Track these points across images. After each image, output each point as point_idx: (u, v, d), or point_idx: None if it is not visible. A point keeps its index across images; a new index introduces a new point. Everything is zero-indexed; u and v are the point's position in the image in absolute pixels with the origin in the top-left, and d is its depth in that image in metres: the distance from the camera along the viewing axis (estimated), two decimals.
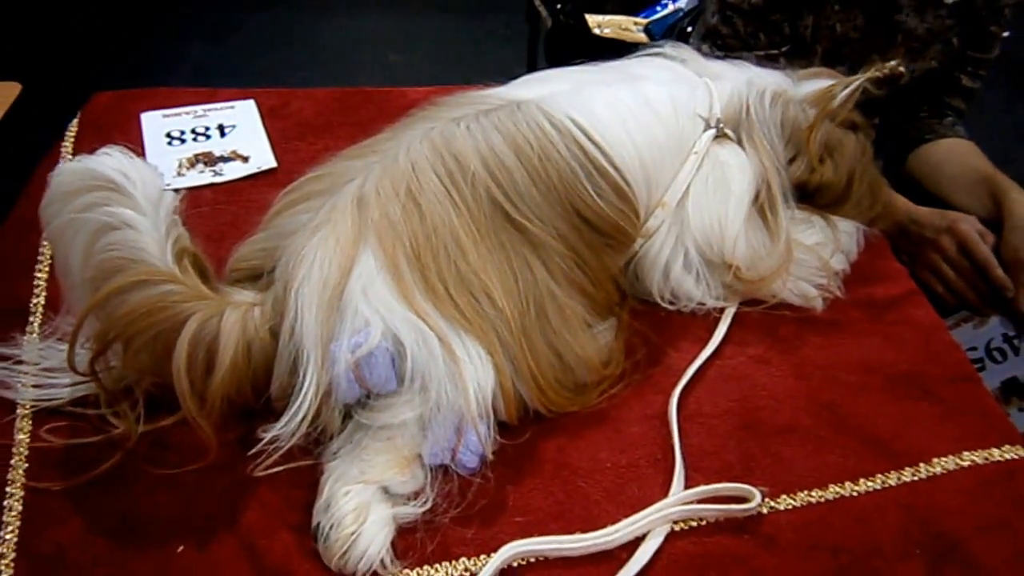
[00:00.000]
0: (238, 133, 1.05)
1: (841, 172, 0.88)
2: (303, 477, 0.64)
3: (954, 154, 1.37)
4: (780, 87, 0.90)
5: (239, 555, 0.60)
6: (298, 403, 0.62)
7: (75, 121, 1.06)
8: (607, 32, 1.60)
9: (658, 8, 1.65)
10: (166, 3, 3.45)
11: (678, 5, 1.64)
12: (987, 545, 0.62)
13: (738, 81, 0.88)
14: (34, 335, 0.75)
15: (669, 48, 0.91)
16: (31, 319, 0.77)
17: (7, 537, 0.59)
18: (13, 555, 0.59)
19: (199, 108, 1.09)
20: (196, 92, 1.12)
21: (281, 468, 0.63)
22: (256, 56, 2.90)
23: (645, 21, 1.65)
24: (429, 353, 0.62)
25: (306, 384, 0.62)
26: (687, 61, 0.89)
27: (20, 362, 0.72)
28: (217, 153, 1.01)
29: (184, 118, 1.07)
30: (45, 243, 0.86)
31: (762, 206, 0.81)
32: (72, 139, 1.02)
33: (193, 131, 1.05)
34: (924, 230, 1.18)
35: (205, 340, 0.62)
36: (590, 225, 0.73)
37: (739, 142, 0.83)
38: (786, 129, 0.86)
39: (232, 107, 1.10)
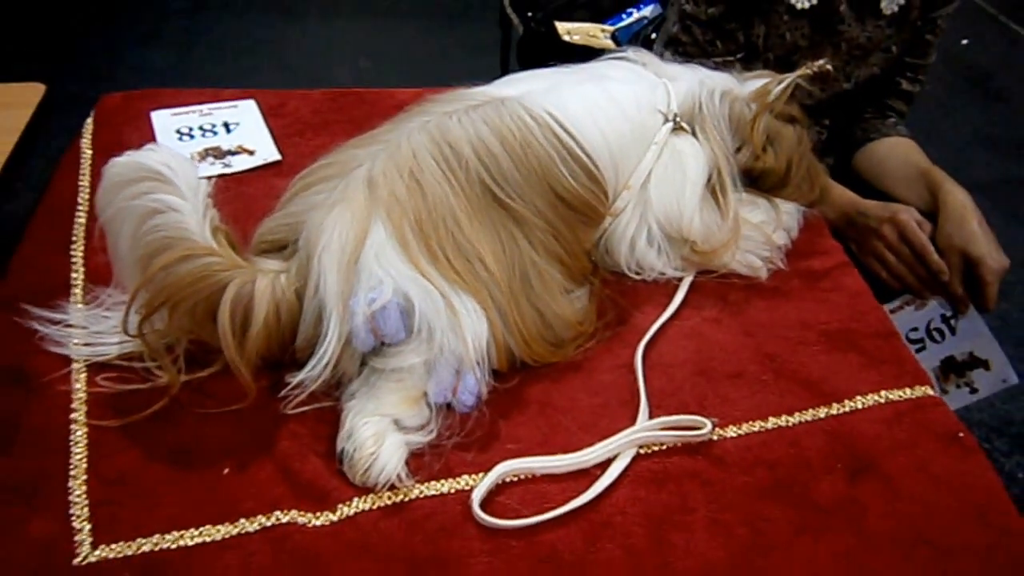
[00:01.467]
0: (242, 129, 1.14)
1: (781, 159, 0.98)
2: (326, 415, 0.74)
3: (895, 151, 1.44)
4: (728, 87, 1.00)
5: (276, 476, 0.70)
6: (322, 351, 0.72)
7: (89, 120, 1.13)
8: (576, 38, 1.66)
9: (623, 16, 1.71)
10: (136, 9, 3.47)
11: (642, 13, 1.70)
12: (896, 462, 0.73)
13: (692, 81, 0.98)
14: (79, 304, 0.85)
15: (632, 53, 1.02)
16: (74, 291, 0.87)
17: (77, 463, 0.69)
18: (84, 477, 0.69)
19: (204, 107, 1.18)
20: (199, 92, 1.21)
21: (307, 408, 0.74)
22: (226, 62, 2.93)
23: (612, 28, 1.71)
24: (433, 307, 0.73)
25: (329, 334, 0.72)
26: (647, 64, 0.99)
27: (69, 326, 0.82)
28: (225, 147, 1.10)
29: (191, 116, 1.15)
30: (77, 225, 0.96)
31: (714, 188, 0.92)
32: (90, 135, 1.11)
33: (201, 128, 1.13)
34: (869, 220, 1.25)
35: (242, 302, 0.72)
36: (565, 203, 0.84)
37: (693, 133, 0.93)
38: (733, 122, 0.97)
39: (235, 106, 1.18)
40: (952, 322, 1.27)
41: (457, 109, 0.85)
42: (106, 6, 3.50)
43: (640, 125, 0.91)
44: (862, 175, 1.47)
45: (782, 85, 0.98)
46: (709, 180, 0.93)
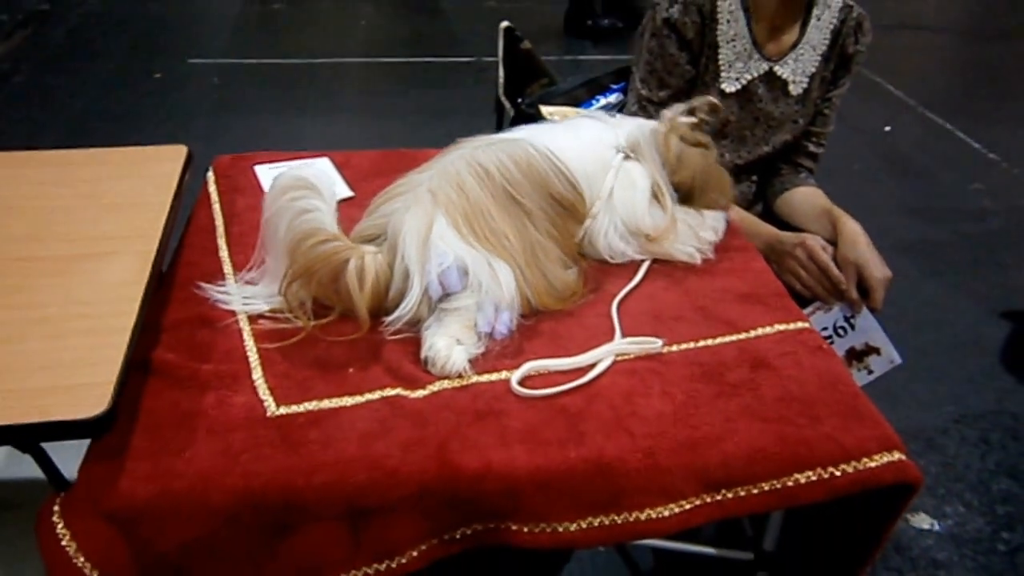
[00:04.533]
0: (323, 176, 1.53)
1: (687, 174, 1.29)
2: (409, 343, 1.11)
3: (806, 197, 1.76)
4: (656, 127, 1.32)
5: (384, 373, 1.06)
6: (410, 297, 1.09)
7: (209, 173, 1.53)
8: (556, 118, 1.87)
9: (594, 102, 2.00)
10: (163, 113, 3.88)
11: (608, 100, 1.99)
12: (780, 360, 1.10)
13: (633, 126, 1.31)
14: (231, 281, 1.23)
15: (594, 114, 1.40)
16: (226, 273, 1.25)
17: (255, 368, 1.06)
18: (261, 372, 1.06)
19: (292, 162, 1.54)
20: (283, 154, 1.59)
21: (399, 336, 1.12)
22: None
23: (584, 111, 1.93)
24: (480, 267, 1.09)
25: (414, 287, 1.08)
26: (605, 120, 1.33)
27: (228, 293, 1.19)
28: None
29: (283, 168, 1.53)
30: (219, 238, 1.34)
31: (656, 195, 1.27)
32: (213, 183, 1.51)
33: None
34: (785, 247, 1.54)
35: (358, 269, 1.09)
36: (558, 203, 1.20)
37: (638, 160, 1.27)
38: (659, 148, 1.29)
39: (313, 162, 1.55)
40: (851, 321, 1.54)
41: (482, 145, 1.20)
42: (140, 106, 3.91)
43: (602, 155, 1.27)
44: (781, 215, 1.79)
45: (679, 111, 1.31)
46: (652, 190, 1.26)
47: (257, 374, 1.06)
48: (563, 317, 1.18)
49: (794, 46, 1.68)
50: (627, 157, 1.28)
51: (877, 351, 1.58)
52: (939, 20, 6.15)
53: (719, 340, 1.16)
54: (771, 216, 1.81)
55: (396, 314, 1.10)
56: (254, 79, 4.41)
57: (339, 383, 1.05)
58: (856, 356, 1.60)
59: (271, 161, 1.57)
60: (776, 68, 1.68)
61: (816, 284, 1.52)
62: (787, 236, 1.57)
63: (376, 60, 4.79)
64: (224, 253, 1.30)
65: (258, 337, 1.12)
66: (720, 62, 1.65)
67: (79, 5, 5.40)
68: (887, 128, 4.11)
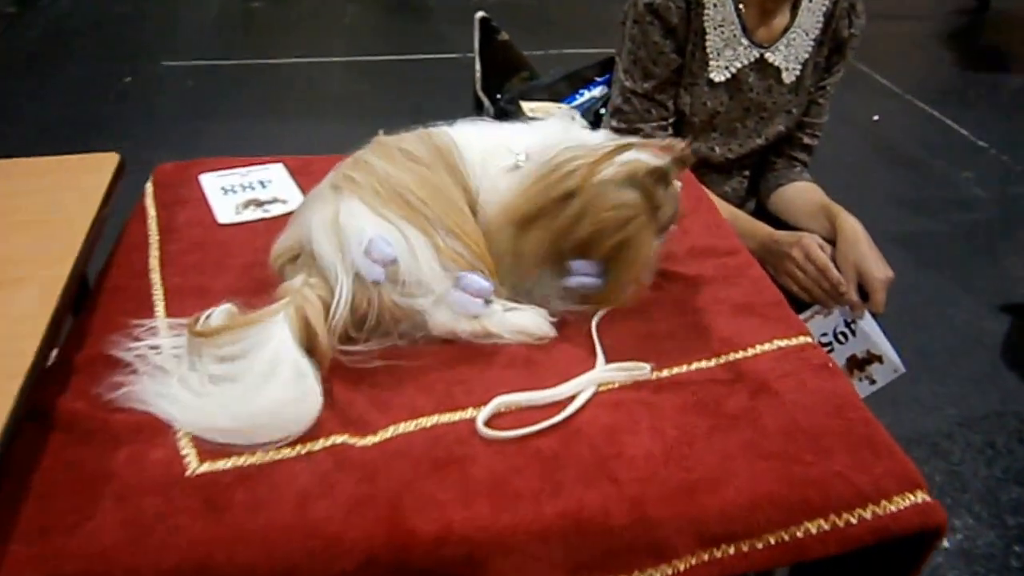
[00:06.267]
0: (275, 185, 1.37)
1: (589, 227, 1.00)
2: (365, 375, 0.97)
3: (801, 192, 1.69)
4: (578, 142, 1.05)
5: (330, 416, 0.92)
6: (338, 292, 0.95)
7: (148, 184, 1.38)
8: (538, 114, 1.79)
9: (576, 96, 1.91)
10: (139, 118, 3.76)
11: (592, 94, 1.90)
12: (782, 383, 0.97)
13: (554, 134, 1.08)
14: (160, 313, 1.08)
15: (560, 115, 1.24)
16: (154, 298, 1.10)
17: None
18: None
19: (242, 169, 1.41)
20: (233, 160, 1.45)
21: (356, 365, 1.00)
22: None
23: (567, 107, 1.88)
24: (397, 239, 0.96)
25: (340, 277, 0.95)
26: (557, 124, 1.14)
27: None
28: (262, 198, 1.33)
29: (233, 176, 1.39)
30: (152, 258, 1.20)
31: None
32: (151, 195, 1.36)
33: (241, 185, 1.36)
34: (781, 247, 1.47)
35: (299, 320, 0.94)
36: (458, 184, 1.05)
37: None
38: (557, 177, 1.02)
39: (266, 168, 1.42)
40: (852, 326, 1.48)
41: (406, 136, 1.09)
42: (113, 110, 3.80)
43: (501, 155, 1.06)
44: (775, 213, 1.71)
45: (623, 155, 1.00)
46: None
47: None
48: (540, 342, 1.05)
49: (785, 31, 1.60)
50: (515, 167, 1.05)
51: (879, 359, 1.49)
52: (922, 5, 6.10)
53: (714, 361, 1.04)
54: (764, 214, 1.74)
55: (333, 320, 0.97)
56: (232, 82, 4.29)
57: None
58: (857, 364, 1.52)
59: (219, 169, 1.44)
60: (767, 55, 1.60)
61: (814, 286, 1.45)
62: (782, 235, 1.51)
63: (360, 59, 4.69)
64: (155, 276, 1.16)
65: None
66: (708, 49, 1.56)
67: (48, 7, 5.25)
68: (875, 118, 4.05)
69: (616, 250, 1.00)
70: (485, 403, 0.94)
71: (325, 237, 0.98)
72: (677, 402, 0.97)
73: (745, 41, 1.56)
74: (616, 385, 0.99)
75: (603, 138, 1.05)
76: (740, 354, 1.04)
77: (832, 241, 1.46)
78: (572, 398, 0.96)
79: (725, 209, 1.59)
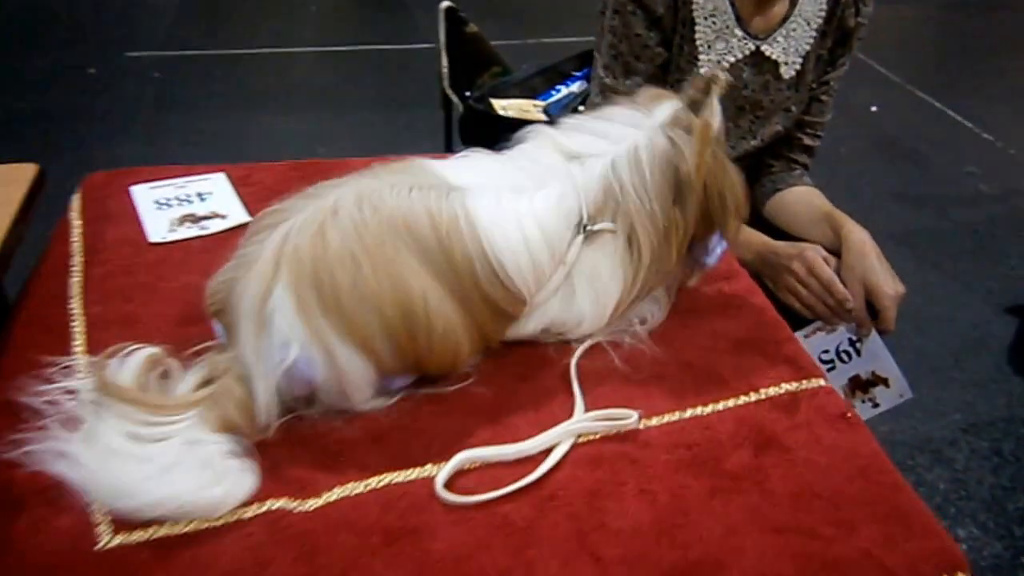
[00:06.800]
0: (215, 198, 1.25)
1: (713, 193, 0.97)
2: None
3: (802, 198, 1.56)
4: (646, 140, 0.94)
5: (265, 476, 0.80)
6: (258, 396, 0.82)
7: (75, 195, 1.25)
8: (511, 113, 1.76)
9: (553, 92, 1.83)
10: (106, 108, 3.65)
11: (570, 89, 1.83)
12: (793, 437, 0.86)
13: (605, 158, 0.94)
14: (79, 349, 0.95)
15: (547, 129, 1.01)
16: (73, 330, 0.98)
17: None
18: None
19: (179, 180, 1.29)
20: (173, 169, 1.33)
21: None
22: (191, 153, 3.09)
23: (543, 103, 1.82)
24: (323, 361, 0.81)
25: (258, 397, 0.82)
26: (561, 145, 0.97)
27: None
28: (200, 213, 1.21)
29: (168, 188, 1.26)
30: (73, 284, 1.07)
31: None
32: (77, 208, 1.22)
33: (177, 198, 1.24)
34: (781, 259, 1.35)
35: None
36: (483, 300, 0.87)
37: (601, 239, 0.93)
38: (666, 177, 0.94)
39: (207, 179, 1.30)
40: (857, 345, 1.38)
41: (398, 183, 0.87)
42: (75, 104, 3.66)
43: (553, 238, 0.91)
44: (773, 221, 1.58)
45: (718, 116, 0.96)
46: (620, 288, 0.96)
47: None
48: (509, 383, 0.93)
49: (784, 20, 1.46)
50: (588, 236, 0.93)
51: (885, 382, 1.42)
52: None
53: (711, 408, 0.91)
54: (761, 222, 1.60)
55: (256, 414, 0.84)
56: (198, 72, 4.17)
57: None
58: (860, 386, 1.44)
59: (153, 180, 1.31)
60: (764, 47, 1.46)
61: (818, 303, 1.33)
62: (782, 246, 1.39)
63: (328, 49, 4.58)
64: (76, 304, 1.02)
65: None
66: (697, 42, 1.43)
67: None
68: (873, 108, 3.95)
69: (718, 192, 0.97)
70: (446, 459, 0.82)
71: (250, 331, 0.82)
72: (669, 458, 0.84)
73: (739, 32, 1.43)
74: (597, 436, 0.87)
75: (635, 128, 0.97)
76: (742, 399, 0.92)
77: (836, 252, 1.34)
78: (547, 452, 0.84)
79: None
